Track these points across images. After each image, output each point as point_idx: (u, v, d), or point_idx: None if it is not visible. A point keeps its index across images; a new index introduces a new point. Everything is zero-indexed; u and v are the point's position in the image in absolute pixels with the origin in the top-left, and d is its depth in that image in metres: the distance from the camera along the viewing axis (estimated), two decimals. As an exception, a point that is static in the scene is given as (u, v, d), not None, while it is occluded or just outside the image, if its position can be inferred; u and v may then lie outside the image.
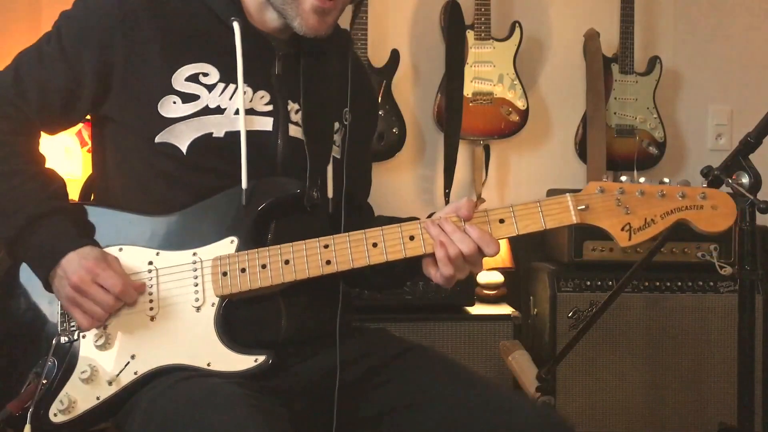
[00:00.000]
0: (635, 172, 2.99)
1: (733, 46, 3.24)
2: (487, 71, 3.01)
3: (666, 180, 1.44)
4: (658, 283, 2.66)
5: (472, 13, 3.01)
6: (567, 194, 1.42)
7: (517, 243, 2.95)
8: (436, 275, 1.45)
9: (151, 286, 1.44)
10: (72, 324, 1.45)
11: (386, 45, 3.02)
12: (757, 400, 2.03)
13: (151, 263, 1.45)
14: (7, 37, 2.80)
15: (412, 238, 1.42)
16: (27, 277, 1.49)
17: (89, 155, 1.67)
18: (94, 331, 1.43)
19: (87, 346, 1.44)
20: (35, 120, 1.50)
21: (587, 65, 3.08)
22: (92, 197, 1.62)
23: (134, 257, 1.46)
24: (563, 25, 3.19)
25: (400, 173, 3.11)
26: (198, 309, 1.43)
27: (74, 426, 1.41)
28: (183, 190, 1.47)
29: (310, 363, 1.50)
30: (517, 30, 3.03)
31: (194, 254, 1.45)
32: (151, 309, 1.44)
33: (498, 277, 2.86)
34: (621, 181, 1.43)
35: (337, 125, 1.61)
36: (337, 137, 1.61)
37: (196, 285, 1.43)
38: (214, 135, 1.47)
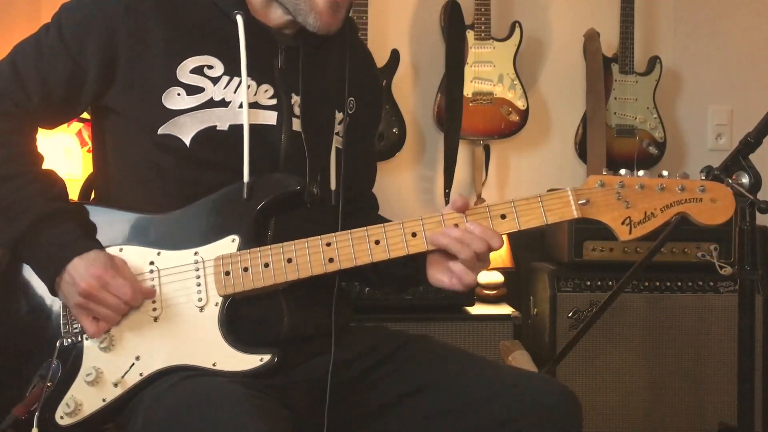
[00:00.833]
0: (635, 172, 2.99)
1: (733, 46, 3.24)
2: (487, 71, 3.01)
3: (665, 173, 1.44)
4: (658, 283, 2.66)
5: (472, 13, 3.01)
6: (568, 188, 1.43)
7: (517, 243, 2.96)
8: (452, 282, 1.44)
9: (153, 287, 1.44)
10: (75, 326, 1.44)
11: (386, 45, 3.02)
12: (757, 400, 2.03)
13: (152, 263, 1.45)
14: (7, 36, 2.79)
15: (414, 234, 1.42)
16: (28, 278, 1.48)
17: (89, 155, 1.66)
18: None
19: (91, 348, 1.43)
20: (36, 114, 1.49)
21: (587, 65, 3.08)
22: (92, 196, 1.62)
23: (135, 257, 1.45)
24: (563, 25, 3.19)
25: (400, 173, 3.11)
26: (201, 309, 1.43)
27: (80, 428, 1.41)
28: (185, 184, 1.47)
29: (312, 361, 1.50)
30: (517, 30, 3.03)
31: (195, 253, 1.44)
32: (155, 310, 1.43)
33: (498, 277, 2.86)
34: (621, 175, 1.43)
35: (340, 116, 1.60)
36: (340, 128, 1.60)
37: (199, 285, 1.43)
38: (218, 128, 1.46)
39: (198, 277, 1.43)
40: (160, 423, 1.31)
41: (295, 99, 1.53)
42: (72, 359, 1.43)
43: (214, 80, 1.47)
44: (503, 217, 1.43)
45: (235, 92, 1.48)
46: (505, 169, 3.18)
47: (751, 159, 1.81)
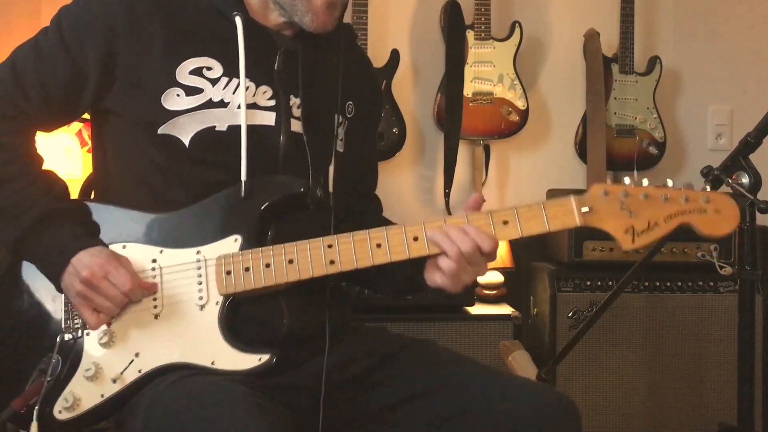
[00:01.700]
0: (635, 172, 2.99)
1: (733, 46, 3.24)
2: (487, 71, 3.01)
3: (669, 182, 1.43)
4: (658, 283, 2.66)
5: (472, 13, 3.01)
6: (571, 196, 1.41)
7: (517, 243, 2.95)
8: (443, 279, 1.43)
9: (155, 284, 1.44)
10: (76, 321, 1.45)
11: (386, 45, 3.02)
12: (757, 400, 2.03)
13: (154, 261, 1.45)
14: (7, 36, 2.79)
15: (416, 239, 1.42)
16: (30, 275, 1.49)
17: (89, 155, 1.66)
18: (98, 329, 1.43)
19: (91, 343, 1.44)
20: (35, 117, 1.49)
21: (587, 65, 3.08)
22: (92, 196, 1.62)
23: (138, 255, 1.46)
24: (563, 25, 3.19)
25: (400, 173, 3.11)
26: (202, 307, 1.43)
27: (78, 423, 1.42)
28: (185, 183, 1.48)
29: (312, 362, 1.50)
30: (517, 30, 3.03)
31: (198, 252, 1.45)
32: (155, 307, 1.44)
33: (498, 277, 2.86)
34: (625, 184, 1.42)
35: (339, 119, 1.61)
36: (340, 131, 1.61)
37: (200, 283, 1.43)
38: (216, 128, 1.47)
39: (199, 275, 1.44)
40: (159, 421, 1.32)
41: (294, 101, 1.54)
42: (72, 354, 1.43)
43: (213, 81, 1.48)
44: (505, 223, 1.42)
45: (233, 93, 1.48)
46: (505, 169, 3.18)
47: (751, 159, 1.81)
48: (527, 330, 2.78)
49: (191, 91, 1.47)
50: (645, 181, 1.43)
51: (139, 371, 1.41)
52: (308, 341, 1.50)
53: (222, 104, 1.48)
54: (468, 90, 2.99)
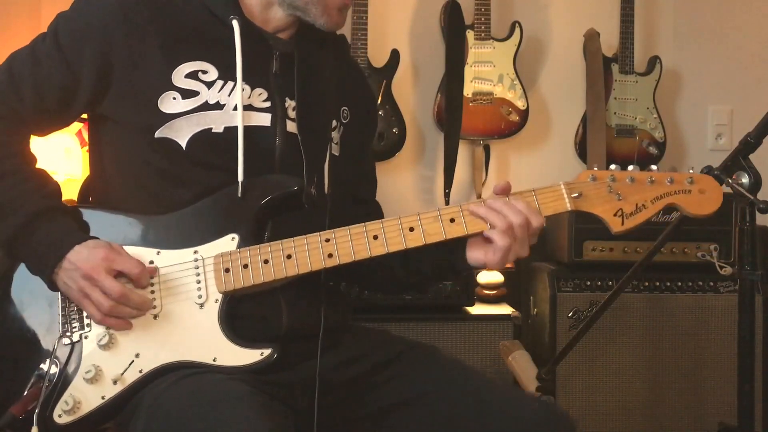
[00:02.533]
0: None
1: (733, 46, 3.24)
2: (487, 71, 3.01)
3: (654, 167, 1.49)
4: (658, 283, 2.66)
5: (472, 13, 3.01)
6: (560, 182, 1.47)
7: (517, 243, 2.95)
8: (487, 256, 1.45)
9: (153, 285, 1.44)
10: (74, 325, 1.45)
11: (386, 45, 3.02)
12: (757, 400, 2.03)
13: (152, 263, 1.45)
14: (7, 36, 2.80)
15: (411, 229, 1.44)
16: (26, 279, 1.48)
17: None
18: (97, 332, 1.43)
19: (90, 346, 1.43)
20: (29, 120, 1.50)
21: (587, 65, 3.08)
22: (89, 199, 1.62)
23: (135, 257, 1.45)
24: (563, 25, 3.19)
25: (400, 173, 3.11)
26: (201, 306, 1.43)
27: (79, 427, 1.41)
28: (182, 186, 1.48)
29: (310, 361, 1.50)
30: (517, 30, 3.03)
31: (195, 252, 1.45)
32: (154, 308, 1.44)
33: (498, 277, 2.86)
34: (611, 169, 1.48)
35: (334, 123, 1.62)
36: (335, 135, 1.61)
37: (199, 282, 1.44)
38: (213, 130, 1.48)
39: (198, 274, 1.44)
40: (162, 421, 1.32)
41: (289, 103, 1.55)
42: (71, 357, 1.43)
43: (209, 84, 1.49)
44: None
45: (229, 95, 1.49)
46: (505, 169, 3.18)
47: (751, 159, 1.81)
48: (527, 330, 2.78)
49: (187, 94, 1.48)
50: (630, 167, 1.49)
51: (140, 371, 1.41)
52: (307, 339, 1.50)
53: (218, 106, 1.49)
54: (468, 90, 2.99)
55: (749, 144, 1.82)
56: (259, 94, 1.53)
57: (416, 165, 3.15)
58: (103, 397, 1.41)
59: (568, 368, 2.59)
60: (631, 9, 3.04)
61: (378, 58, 2.97)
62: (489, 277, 2.85)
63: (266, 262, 1.43)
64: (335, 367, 1.52)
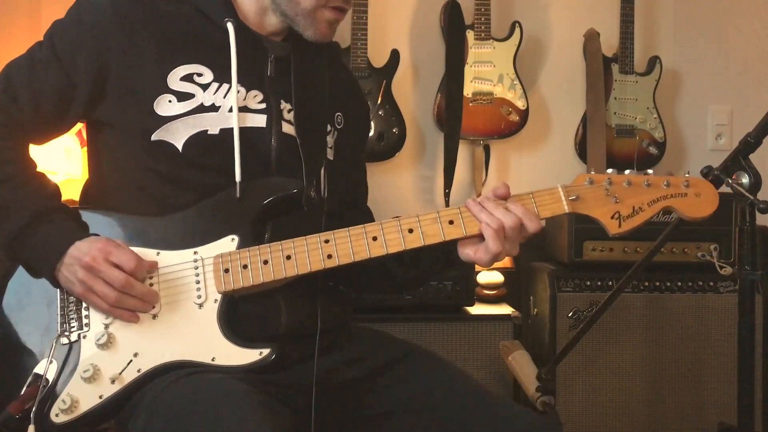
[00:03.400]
0: (634, 170, 2.99)
1: (733, 46, 3.24)
2: (487, 71, 3.01)
3: (650, 171, 1.51)
4: (658, 283, 2.66)
5: (472, 13, 3.01)
6: (558, 185, 1.48)
7: (517, 243, 2.95)
8: (476, 253, 1.45)
9: (152, 285, 1.44)
10: (72, 325, 1.45)
11: (386, 45, 3.02)
12: (757, 400, 2.03)
13: (151, 263, 1.45)
14: (7, 37, 2.80)
15: (411, 231, 1.45)
16: (24, 279, 1.49)
17: (89, 155, 1.67)
18: (95, 331, 1.43)
19: (88, 345, 1.43)
20: (27, 127, 1.51)
21: (587, 65, 3.08)
22: (88, 201, 1.62)
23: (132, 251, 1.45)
24: (563, 25, 3.19)
25: (400, 173, 3.11)
26: (200, 306, 1.43)
27: (77, 426, 1.41)
28: (180, 187, 1.49)
29: (309, 361, 1.50)
30: (517, 30, 3.03)
31: (195, 253, 1.45)
32: (153, 307, 1.44)
33: (498, 277, 2.86)
34: (608, 173, 1.49)
35: (329, 128, 1.63)
36: (329, 139, 1.63)
37: (198, 282, 1.44)
38: (209, 132, 1.49)
39: (197, 275, 1.44)
40: (162, 420, 1.32)
41: (284, 105, 1.56)
42: (69, 357, 1.43)
43: (204, 87, 1.50)
44: None
45: (224, 97, 1.50)
46: (505, 169, 3.18)
47: (751, 159, 1.81)
48: (527, 330, 2.78)
49: (183, 96, 1.48)
50: (627, 171, 1.50)
51: (138, 371, 1.41)
52: (306, 339, 1.50)
53: (213, 108, 1.49)
54: (468, 90, 2.99)
55: (749, 144, 1.82)
56: (254, 96, 1.53)
57: (416, 165, 3.15)
58: (101, 397, 1.41)
59: (568, 368, 2.59)
60: (631, 9, 3.04)
61: (378, 58, 2.97)
62: (489, 277, 2.85)
63: (266, 262, 1.43)
64: (334, 367, 1.52)
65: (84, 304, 1.45)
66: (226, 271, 1.44)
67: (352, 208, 1.71)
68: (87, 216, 1.50)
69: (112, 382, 1.41)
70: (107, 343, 1.42)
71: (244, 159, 1.48)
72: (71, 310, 1.46)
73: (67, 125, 1.56)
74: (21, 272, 1.50)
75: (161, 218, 1.48)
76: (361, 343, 1.60)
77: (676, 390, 2.65)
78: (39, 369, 1.42)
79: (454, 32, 3.00)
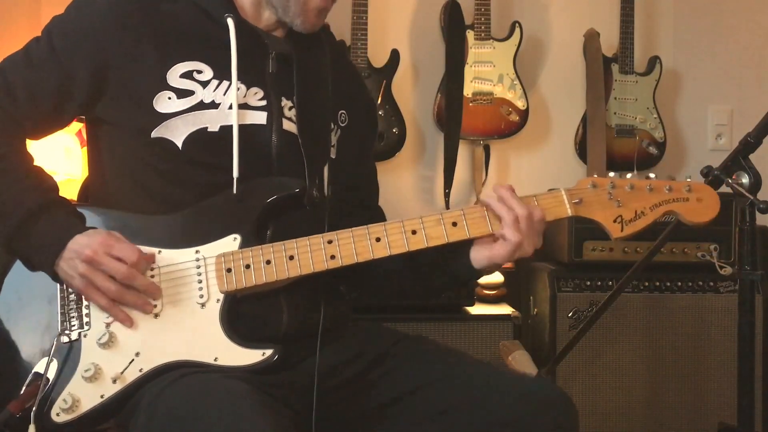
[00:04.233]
0: (635, 172, 2.99)
1: (733, 46, 3.24)
2: (487, 71, 3.01)
3: (652, 175, 1.52)
4: (658, 283, 2.66)
5: (472, 13, 3.01)
6: (561, 188, 1.49)
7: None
8: (494, 249, 1.45)
9: (153, 277, 1.44)
10: (73, 323, 1.45)
11: (386, 45, 3.02)
12: (757, 400, 2.03)
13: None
14: (7, 37, 2.80)
15: (414, 232, 1.45)
16: (24, 276, 1.48)
17: (89, 155, 1.67)
18: (96, 330, 1.43)
19: (90, 344, 1.43)
20: (24, 123, 1.50)
21: (587, 65, 3.08)
22: (89, 199, 1.62)
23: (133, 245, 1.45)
24: (563, 25, 3.19)
25: (400, 173, 3.11)
26: (203, 305, 1.43)
27: (78, 425, 1.40)
28: (180, 185, 1.49)
29: (310, 361, 1.50)
30: (517, 30, 3.03)
31: (197, 252, 1.45)
32: (155, 306, 1.43)
33: (498, 277, 2.86)
34: (611, 177, 1.50)
35: (332, 125, 1.62)
36: (332, 138, 1.62)
37: (200, 282, 1.44)
38: (209, 129, 1.49)
39: (199, 274, 1.44)
40: (162, 419, 1.31)
41: (285, 102, 1.55)
42: (70, 355, 1.43)
43: (204, 84, 1.50)
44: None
45: (224, 94, 1.50)
46: (505, 169, 3.18)
47: (751, 159, 1.81)
48: (527, 330, 2.78)
49: (182, 93, 1.48)
50: (629, 175, 1.52)
51: (140, 370, 1.41)
52: (307, 339, 1.50)
53: (213, 105, 1.49)
54: (468, 90, 2.99)
55: (749, 144, 1.82)
56: (255, 93, 1.53)
57: (416, 165, 3.15)
58: (102, 396, 1.41)
59: (568, 368, 2.59)
60: (631, 9, 3.04)
61: (378, 58, 2.97)
62: (489, 277, 2.85)
63: (268, 262, 1.43)
64: (334, 367, 1.52)
65: (84, 303, 1.45)
66: (229, 270, 1.43)
67: (362, 208, 1.70)
68: (87, 213, 1.50)
69: (114, 381, 1.41)
70: (109, 342, 1.42)
71: (244, 156, 1.47)
72: (72, 309, 1.46)
73: (65, 121, 1.55)
74: (20, 269, 1.49)
75: (162, 216, 1.48)
76: (355, 338, 1.60)
77: (676, 390, 2.65)
78: (39, 368, 1.42)
79: (454, 32, 3.00)
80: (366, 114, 1.76)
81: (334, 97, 1.62)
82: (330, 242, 1.44)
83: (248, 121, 1.51)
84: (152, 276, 1.44)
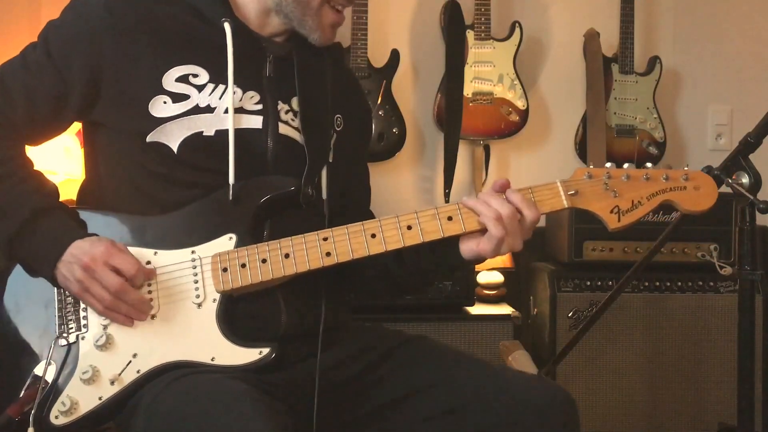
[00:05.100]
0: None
1: (733, 46, 3.24)
2: (487, 71, 3.01)
3: (649, 165, 1.50)
4: (658, 283, 2.66)
5: (472, 13, 3.01)
6: (557, 180, 1.47)
7: (517, 243, 2.95)
8: (479, 245, 1.44)
9: (150, 285, 1.44)
10: (71, 326, 1.45)
11: (386, 45, 3.02)
12: (757, 400, 2.03)
13: (149, 263, 1.45)
14: (7, 37, 2.80)
15: (409, 227, 1.44)
16: (22, 280, 1.48)
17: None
18: (94, 332, 1.43)
19: (87, 346, 1.43)
20: (22, 129, 1.50)
21: (587, 65, 3.08)
22: (85, 201, 1.62)
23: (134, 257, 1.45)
24: (563, 25, 3.19)
25: (400, 173, 3.11)
26: (199, 305, 1.43)
27: (77, 428, 1.40)
28: (176, 188, 1.48)
29: (309, 360, 1.50)
30: (517, 30, 3.03)
31: (193, 252, 1.45)
32: (152, 307, 1.43)
33: (498, 277, 2.86)
34: (606, 167, 1.49)
35: (330, 130, 1.62)
36: (329, 142, 1.62)
37: (196, 282, 1.44)
38: (204, 134, 1.48)
39: (195, 274, 1.44)
40: (162, 419, 1.32)
41: (282, 106, 1.55)
42: (68, 358, 1.43)
43: (199, 88, 1.49)
44: None
45: (220, 98, 1.50)
46: (505, 169, 3.18)
47: (751, 159, 1.81)
48: (527, 330, 2.79)
49: (178, 98, 1.48)
50: (625, 165, 1.50)
51: (138, 371, 1.41)
52: (306, 338, 1.50)
53: (209, 109, 1.49)
54: (468, 90, 2.99)
55: (749, 144, 1.82)
56: (251, 97, 1.53)
57: (416, 165, 3.15)
58: (100, 398, 1.41)
59: (568, 368, 2.60)
60: (631, 9, 3.04)
61: (378, 58, 2.97)
62: (489, 277, 2.85)
63: (264, 261, 1.43)
64: (334, 366, 1.52)
65: (82, 305, 1.45)
66: (225, 270, 1.43)
67: (353, 212, 1.70)
68: (84, 216, 1.50)
69: (112, 383, 1.41)
70: (106, 344, 1.42)
71: (240, 161, 1.47)
72: (69, 312, 1.46)
73: (62, 126, 1.55)
74: (18, 272, 1.49)
75: (158, 217, 1.48)
76: (356, 339, 1.60)
77: (676, 390, 2.65)
78: (38, 371, 1.42)
79: (454, 32, 3.00)
80: (360, 120, 1.76)
81: (332, 101, 1.62)
82: (325, 239, 1.44)
83: (244, 125, 1.51)
84: (149, 284, 1.44)
